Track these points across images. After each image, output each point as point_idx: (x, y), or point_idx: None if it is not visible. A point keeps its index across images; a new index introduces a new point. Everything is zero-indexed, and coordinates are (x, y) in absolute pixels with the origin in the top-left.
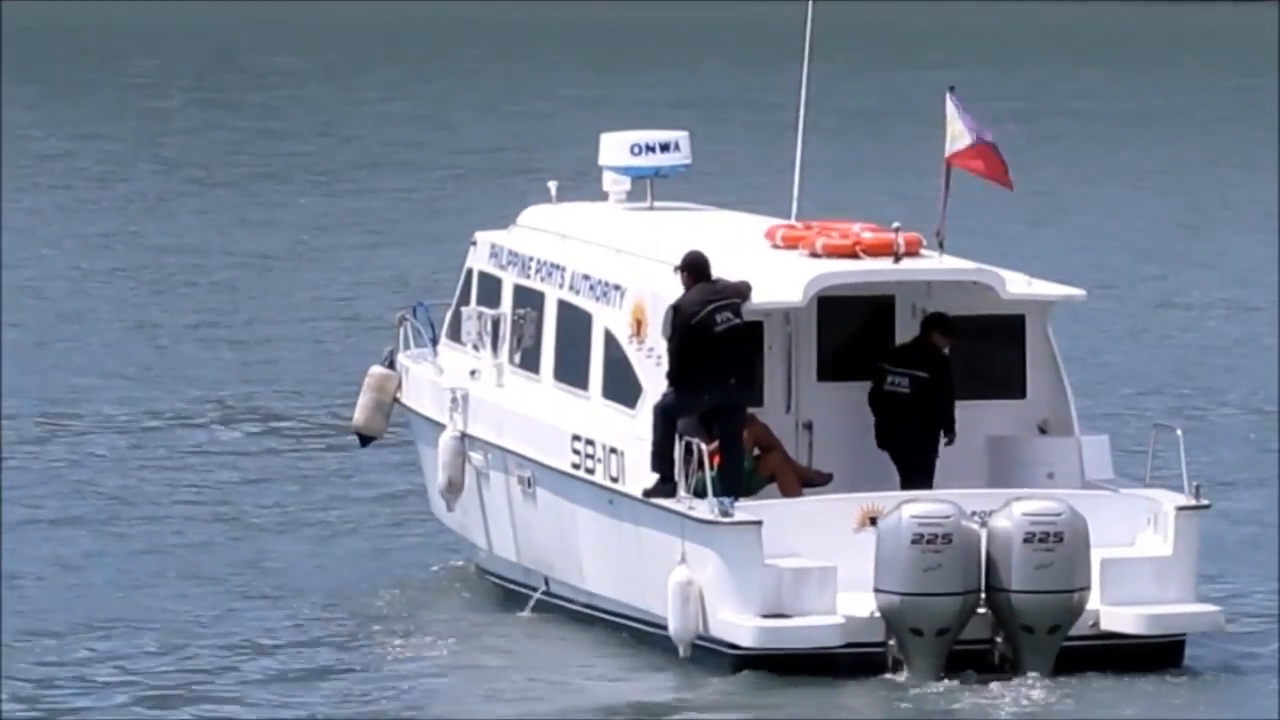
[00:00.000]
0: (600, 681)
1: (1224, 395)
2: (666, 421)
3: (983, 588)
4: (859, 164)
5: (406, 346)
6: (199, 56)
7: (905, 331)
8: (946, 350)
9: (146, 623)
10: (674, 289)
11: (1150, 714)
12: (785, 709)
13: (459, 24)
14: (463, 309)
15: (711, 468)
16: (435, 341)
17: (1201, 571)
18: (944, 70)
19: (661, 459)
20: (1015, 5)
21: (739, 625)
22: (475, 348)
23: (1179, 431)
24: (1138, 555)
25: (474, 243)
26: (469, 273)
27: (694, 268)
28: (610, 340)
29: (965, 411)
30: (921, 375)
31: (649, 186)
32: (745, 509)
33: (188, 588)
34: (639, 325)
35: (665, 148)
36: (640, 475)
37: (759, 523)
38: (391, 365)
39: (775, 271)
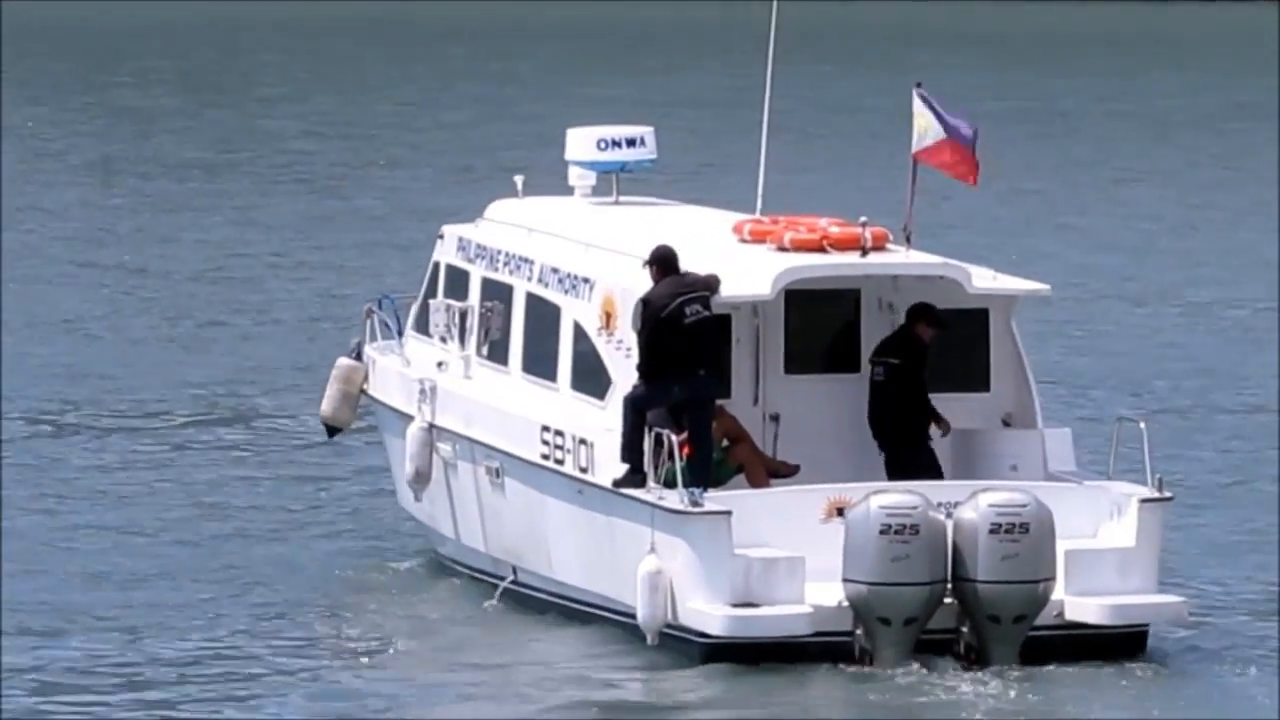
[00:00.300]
0: (570, 670)
1: (1190, 392)
2: (636, 413)
3: (949, 578)
4: (826, 161)
5: (373, 339)
6: (183, 55)
7: (871, 325)
8: (927, 340)
9: (112, 618)
10: (643, 282)
11: (1117, 703)
12: (755, 697)
13: (428, 23)
14: (430, 301)
15: (680, 458)
16: (400, 334)
17: (1164, 562)
18: (931, 70)
19: (631, 450)
20: (1019, 5)
21: (708, 614)
22: (443, 340)
23: (1142, 424)
24: (1101, 546)
25: (441, 236)
26: (436, 266)
27: (663, 261)
28: (579, 333)
29: (935, 405)
30: (894, 362)
31: (614, 181)
32: (714, 499)
33: (155, 584)
34: (608, 318)
35: (631, 143)
36: (610, 466)
37: (728, 513)
38: (358, 357)
39: (744, 265)
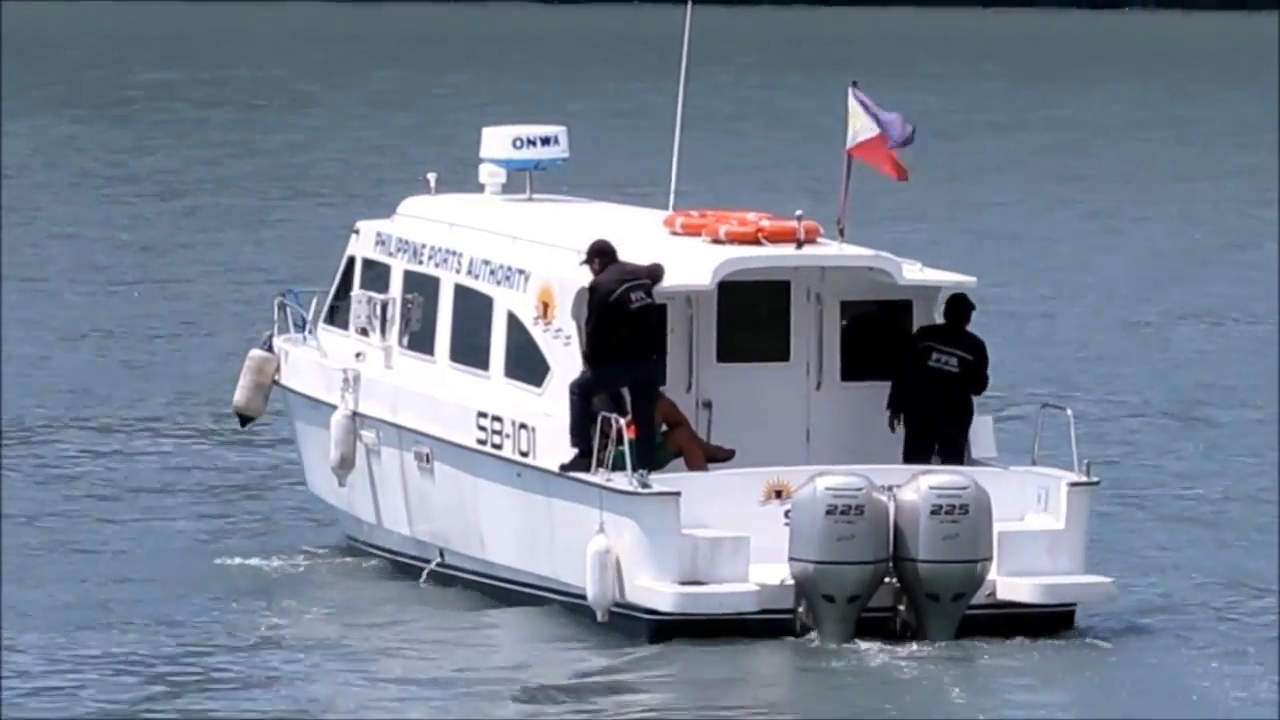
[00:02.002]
0: (522, 648)
1: (1109, 381)
2: (583, 398)
3: (891, 557)
4: (736, 160)
5: (282, 331)
6: (139, 61)
7: (800, 315)
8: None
9: (27, 615)
10: (579, 273)
11: (1051, 677)
12: (706, 671)
13: (353, 31)
14: (353, 294)
15: (625, 442)
16: (303, 326)
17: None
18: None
19: (579, 435)
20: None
21: (658, 591)
22: (362, 331)
23: (1069, 411)
24: (1032, 529)
25: (356, 231)
26: (351, 260)
27: (604, 253)
28: (514, 322)
29: (853, 391)
30: (968, 357)
31: (529, 179)
32: (662, 481)
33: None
34: (545, 308)
35: (546, 141)
36: (552, 450)
37: (677, 494)
38: (269, 349)
39: (681, 257)
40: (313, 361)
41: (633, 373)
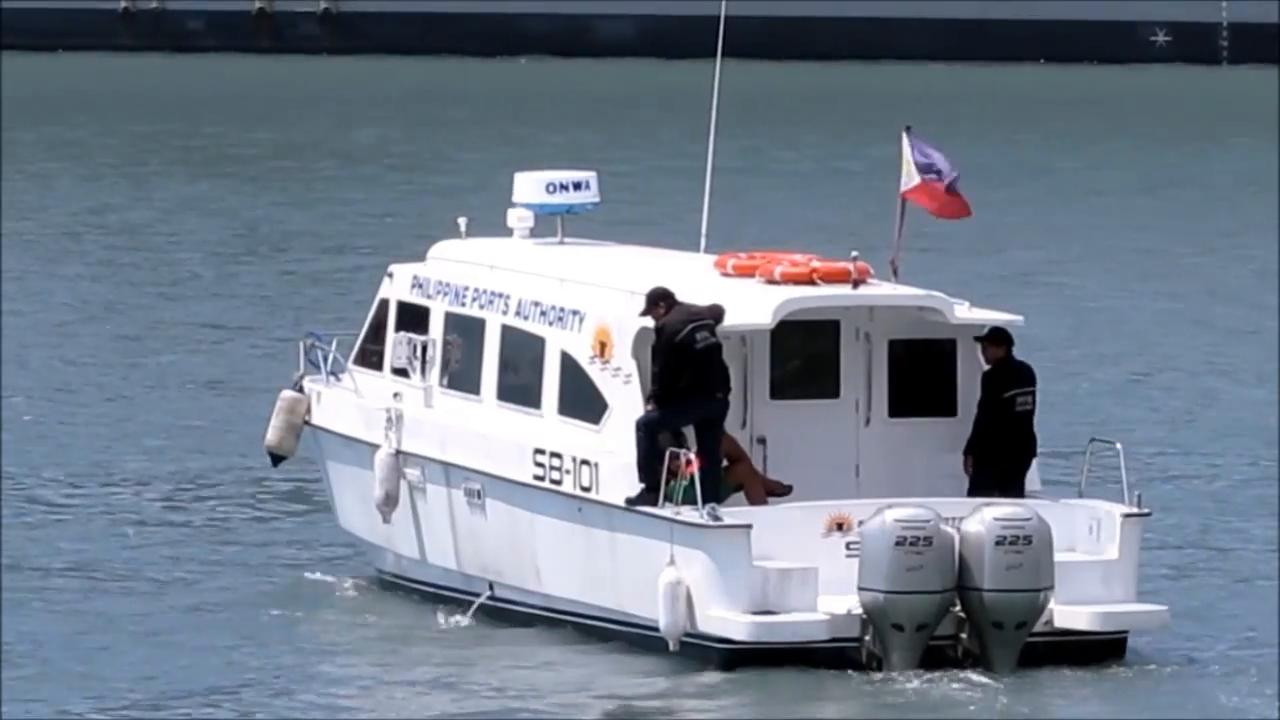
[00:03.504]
0: (594, 678)
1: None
2: (650, 436)
3: (956, 587)
4: (760, 206)
5: (306, 372)
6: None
7: (850, 353)
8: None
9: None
10: (635, 314)
11: (1111, 703)
12: (779, 699)
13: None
14: (391, 335)
15: (685, 476)
16: (324, 368)
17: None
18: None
19: (647, 470)
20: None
21: (731, 621)
22: (402, 372)
23: (1119, 445)
24: (1087, 559)
25: (390, 275)
26: (384, 303)
27: (666, 297)
28: (568, 361)
29: (900, 427)
30: (1035, 390)
31: (559, 223)
32: (730, 514)
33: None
34: (603, 347)
35: (578, 186)
36: (616, 485)
37: (749, 526)
38: (300, 389)
39: (737, 297)
40: (350, 402)
41: (699, 410)
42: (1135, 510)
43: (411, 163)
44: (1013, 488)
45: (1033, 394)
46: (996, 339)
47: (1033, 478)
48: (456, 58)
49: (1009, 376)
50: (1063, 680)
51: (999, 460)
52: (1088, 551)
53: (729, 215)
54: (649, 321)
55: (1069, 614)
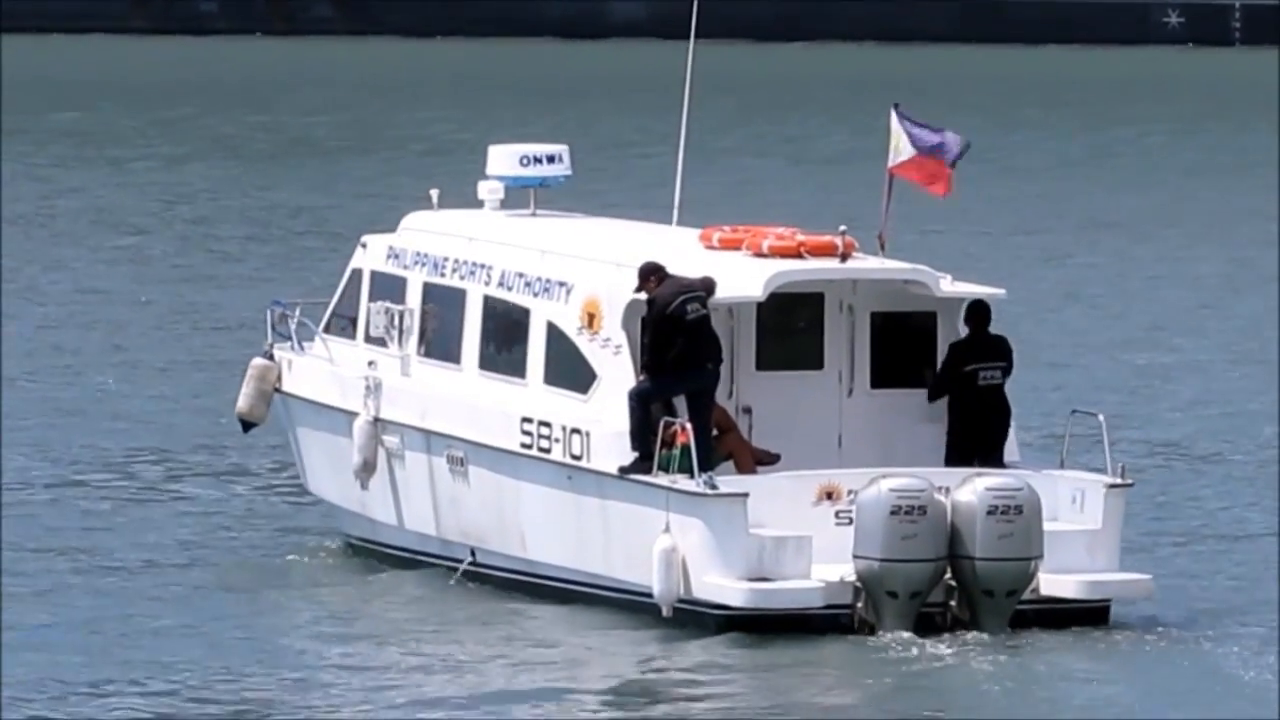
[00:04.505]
0: (591, 642)
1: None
2: (643, 406)
3: (948, 555)
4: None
5: (276, 341)
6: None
7: (834, 326)
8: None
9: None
10: (625, 286)
11: (1101, 667)
12: (779, 659)
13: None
14: (366, 305)
15: (677, 446)
16: (294, 335)
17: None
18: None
19: (639, 439)
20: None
21: (727, 587)
22: (379, 341)
23: (1100, 417)
24: (1072, 528)
25: (363, 245)
26: (357, 272)
27: (658, 271)
28: (554, 332)
29: (882, 398)
30: (1005, 365)
31: (533, 196)
32: (725, 483)
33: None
34: (591, 318)
35: (551, 159)
36: (607, 454)
37: (746, 494)
38: (270, 357)
39: (726, 270)
40: (323, 370)
41: (690, 381)
42: (1119, 480)
43: (396, 141)
44: (988, 459)
45: (1001, 368)
46: (969, 312)
47: (1011, 448)
48: (469, 39)
49: (972, 350)
50: (1051, 645)
51: (967, 432)
52: (1071, 521)
53: (708, 191)
54: (639, 295)
55: (1055, 582)
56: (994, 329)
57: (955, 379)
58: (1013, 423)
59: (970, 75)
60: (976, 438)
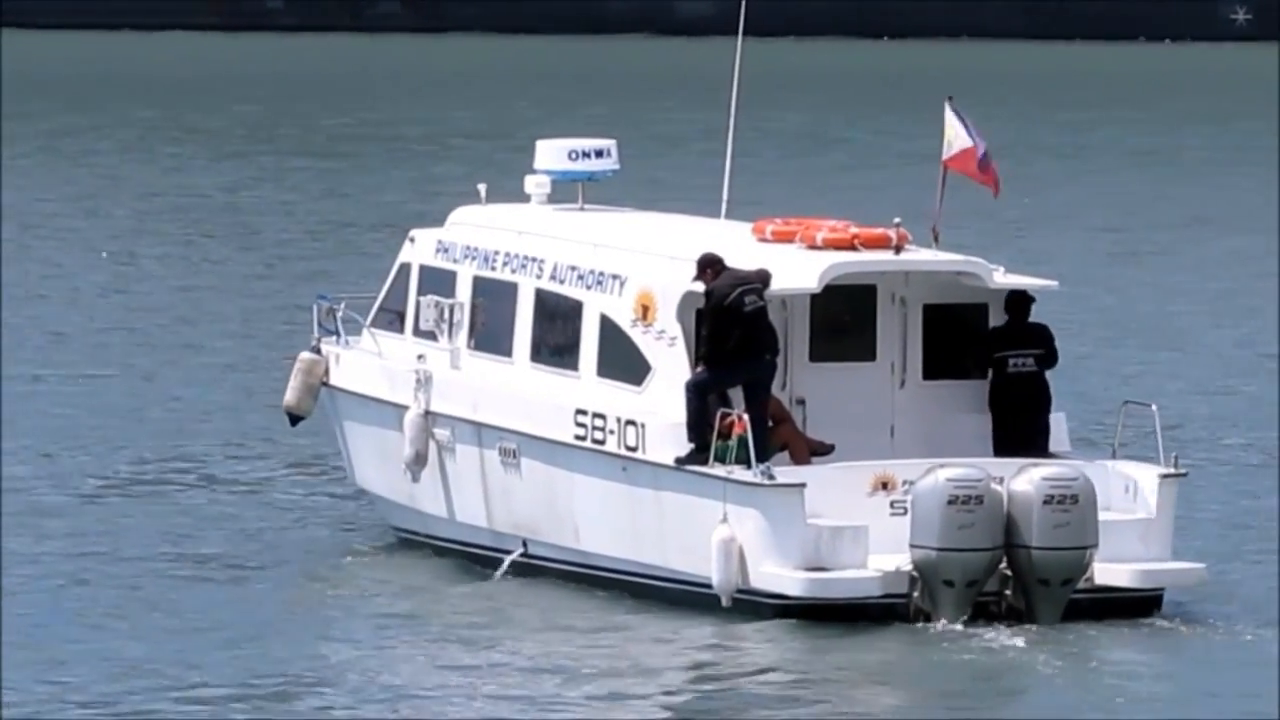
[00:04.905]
0: (651, 632)
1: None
2: (700, 397)
3: (1004, 544)
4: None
5: (322, 336)
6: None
7: (885, 317)
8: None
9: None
10: (680, 278)
11: (1158, 658)
12: (836, 647)
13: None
14: (417, 298)
15: (731, 437)
16: (340, 330)
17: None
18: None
19: (697, 430)
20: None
21: (786, 577)
22: (429, 334)
23: (1154, 407)
24: (1126, 518)
25: (412, 239)
26: (405, 267)
27: (715, 263)
28: (608, 324)
29: (934, 389)
30: (1040, 353)
31: (580, 190)
32: (782, 473)
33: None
34: (645, 311)
35: (599, 154)
36: (663, 445)
37: (803, 485)
38: (318, 351)
39: (780, 262)
40: (372, 363)
41: (747, 372)
42: (1172, 470)
43: (444, 136)
44: (1031, 448)
45: (1034, 355)
46: (1007, 300)
47: (1061, 439)
48: (537, 37)
49: (1004, 337)
50: (1106, 635)
51: (999, 420)
52: (1124, 511)
53: (771, 187)
54: (695, 286)
55: (1109, 571)
56: (1054, 320)
57: (989, 366)
58: (1057, 412)
59: (1034, 71)
60: (1008, 426)
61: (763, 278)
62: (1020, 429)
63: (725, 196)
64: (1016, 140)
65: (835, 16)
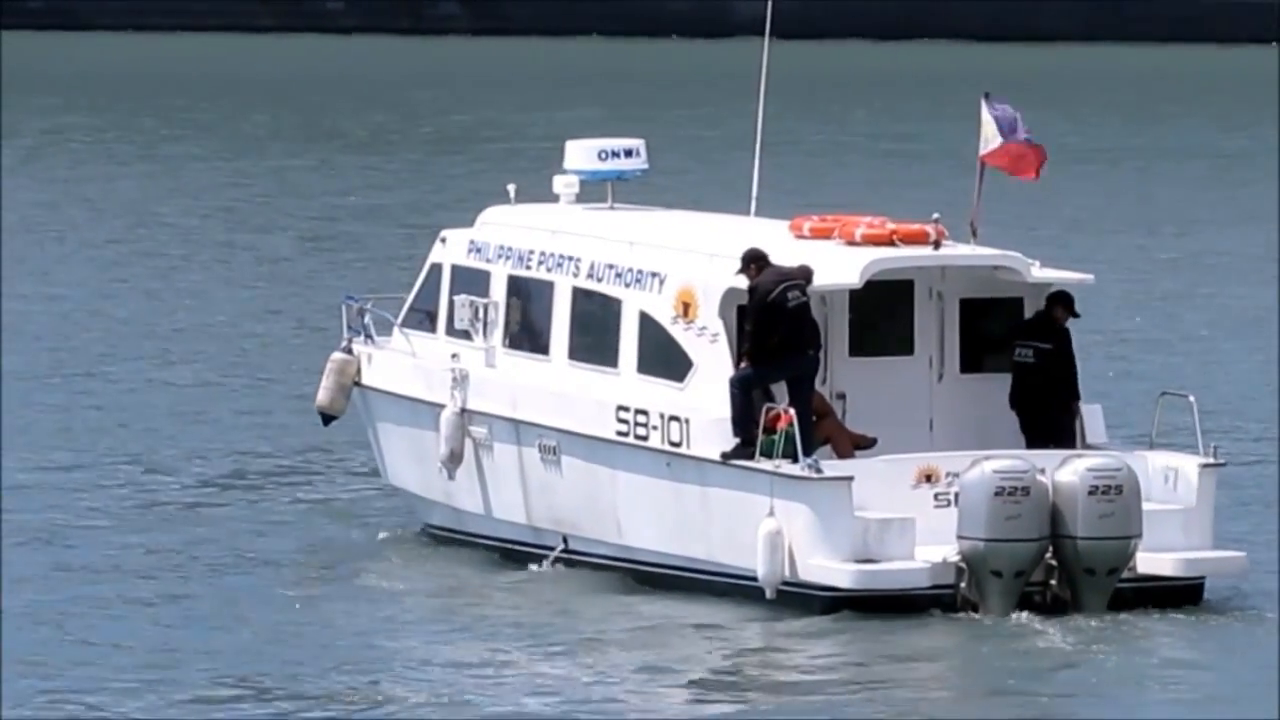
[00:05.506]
0: (699, 622)
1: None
2: (745, 392)
3: (1050, 535)
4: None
5: (352, 335)
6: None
7: (923, 312)
8: (1067, 324)
9: (107, 608)
10: (724, 276)
11: (1206, 644)
12: (887, 642)
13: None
14: (450, 298)
15: (776, 431)
16: (363, 331)
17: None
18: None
19: (742, 425)
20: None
21: (834, 569)
22: (463, 334)
23: (1191, 398)
24: (1167, 508)
25: (442, 240)
26: (436, 267)
27: (760, 258)
28: (647, 321)
29: (972, 383)
30: (1044, 346)
31: (610, 189)
32: (829, 467)
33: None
34: (686, 308)
35: (629, 153)
36: (708, 440)
37: (851, 478)
38: (349, 351)
39: (820, 259)
40: (405, 363)
41: (791, 367)
42: (1211, 460)
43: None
44: (1056, 438)
45: (1034, 348)
46: (1050, 300)
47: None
48: (596, 38)
49: (1018, 328)
50: (1152, 623)
51: (1017, 409)
52: (1165, 501)
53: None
54: (736, 282)
55: (1151, 561)
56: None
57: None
58: (1093, 405)
59: (1097, 73)
60: (1021, 416)
61: (805, 274)
62: (1027, 419)
63: (754, 193)
64: (1086, 143)
65: (880, 19)
